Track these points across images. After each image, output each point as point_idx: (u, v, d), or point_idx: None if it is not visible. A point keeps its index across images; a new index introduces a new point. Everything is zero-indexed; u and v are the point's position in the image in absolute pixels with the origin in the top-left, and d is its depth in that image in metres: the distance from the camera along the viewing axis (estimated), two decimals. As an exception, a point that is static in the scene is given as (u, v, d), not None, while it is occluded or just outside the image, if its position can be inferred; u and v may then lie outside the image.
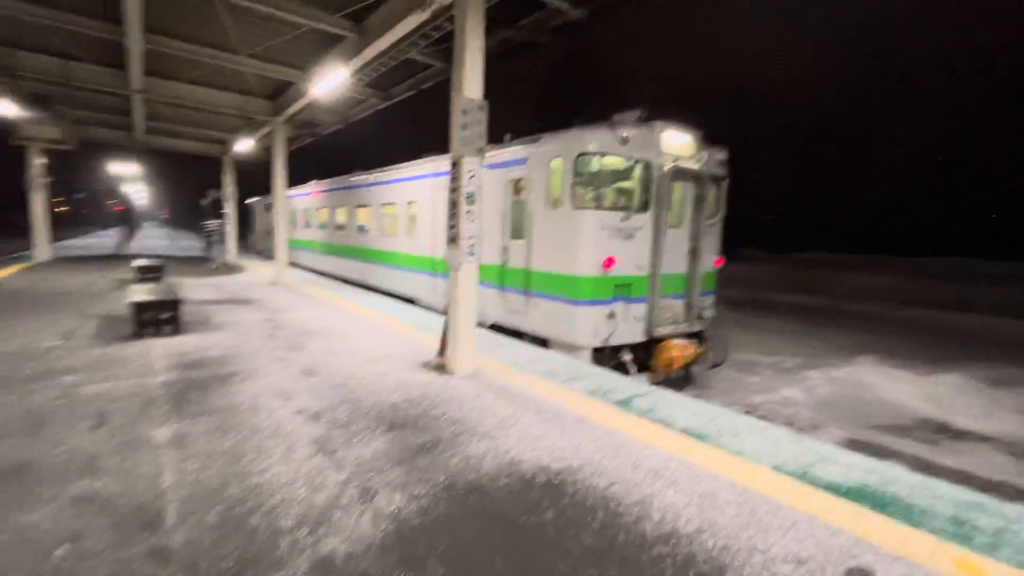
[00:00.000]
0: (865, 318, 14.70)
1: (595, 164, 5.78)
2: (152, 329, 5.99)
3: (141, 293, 6.33)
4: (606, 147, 5.70)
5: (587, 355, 5.88)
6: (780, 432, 3.66)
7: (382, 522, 2.35)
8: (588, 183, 5.81)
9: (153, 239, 33.94)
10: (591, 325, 5.82)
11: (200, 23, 6.73)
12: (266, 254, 21.09)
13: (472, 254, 4.71)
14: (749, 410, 7.09)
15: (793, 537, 2.35)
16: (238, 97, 10.28)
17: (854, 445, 6.14)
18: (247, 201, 25.23)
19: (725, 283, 22.22)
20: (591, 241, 5.72)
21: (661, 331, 6.27)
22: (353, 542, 2.20)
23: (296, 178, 16.56)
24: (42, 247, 14.81)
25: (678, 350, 6.20)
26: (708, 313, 7.00)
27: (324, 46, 7.45)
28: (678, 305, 6.66)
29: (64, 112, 10.15)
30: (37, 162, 13.73)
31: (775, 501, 2.67)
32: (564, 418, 3.77)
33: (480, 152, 4.57)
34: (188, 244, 27.49)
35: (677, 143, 6.23)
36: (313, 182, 16.39)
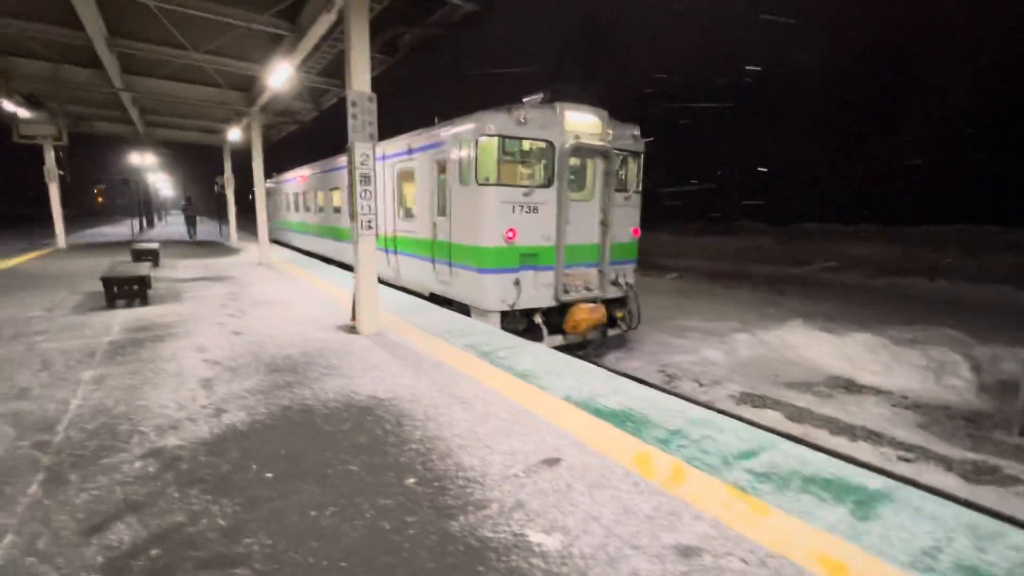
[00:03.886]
0: (834, 286, 14.88)
1: (496, 144, 6.34)
2: (123, 301, 6.93)
3: (114, 271, 7.26)
4: (506, 129, 6.25)
5: (496, 318, 6.55)
6: (599, 372, 4.28)
7: (216, 429, 3.12)
8: (490, 161, 6.39)
9: (173, 225, 35.68)
10: (497, 291, 6.47)
11: (153, 25, 7.45)
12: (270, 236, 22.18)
13: (370, 228, 5.40)
14: (661, 369, 7.68)
15: (524, 439, 3.02)
16: (213, 90, 11.08)
17: (746, 397, 6.72)
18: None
19: (711, 256, 22.35)
20: (494, 214, 6.33)
21: (570, 297, 6.88)
22: (185, 439, 2.97)
23: (307, 161, 17.40)
24: (60, 235, 16.14)
25: (584, 313, 6.80)
26: (625, 280, 7.54)
27: (272, 42, 8.12)
28: (591, 273, 7.23)
29: (57, 109, 11.15)
30: (50, 157, 14.97)
31: (538, 417, 3.33)
32: (424, 364, 4.48)
33: (372, 138, 5.21)
34: (204, 229, 28.95)
35: (581, 122, 6.72)
36: (305, 166, 17.21)
